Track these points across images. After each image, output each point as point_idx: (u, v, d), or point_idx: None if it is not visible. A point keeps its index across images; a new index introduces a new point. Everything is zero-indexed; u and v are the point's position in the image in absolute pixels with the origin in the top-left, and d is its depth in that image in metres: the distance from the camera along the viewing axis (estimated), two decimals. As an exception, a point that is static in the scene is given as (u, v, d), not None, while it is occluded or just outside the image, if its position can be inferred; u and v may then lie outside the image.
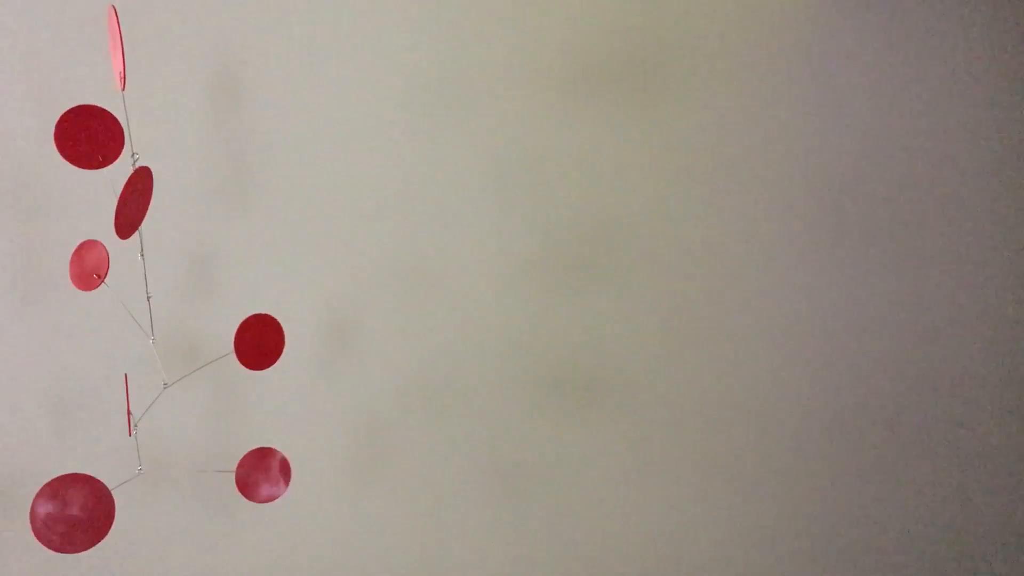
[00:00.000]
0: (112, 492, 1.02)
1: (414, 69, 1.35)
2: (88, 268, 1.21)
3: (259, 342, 1.21)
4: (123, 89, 1.16)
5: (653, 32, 1.34)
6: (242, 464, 1.11)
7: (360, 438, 1.36)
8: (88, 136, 1.05)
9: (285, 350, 1.20)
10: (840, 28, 1.34)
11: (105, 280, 1.19)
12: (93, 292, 1.19)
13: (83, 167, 1.05)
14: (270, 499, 1.10)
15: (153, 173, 1.14)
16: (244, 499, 1.10)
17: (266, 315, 1.22)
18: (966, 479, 1.35)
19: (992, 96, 1.32)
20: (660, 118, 1.35)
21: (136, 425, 1.11)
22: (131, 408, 1.14)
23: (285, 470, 1.11)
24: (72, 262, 1.21)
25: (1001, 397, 1.34)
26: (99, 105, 1.07)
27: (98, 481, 1.02)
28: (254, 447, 1.13)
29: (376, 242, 1.36)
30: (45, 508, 0.99)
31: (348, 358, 1.36)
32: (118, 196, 0.97)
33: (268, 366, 1.22)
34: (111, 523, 1.02)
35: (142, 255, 1.13)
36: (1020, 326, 1.34)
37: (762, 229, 1.35)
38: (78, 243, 1.19)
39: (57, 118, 1.35)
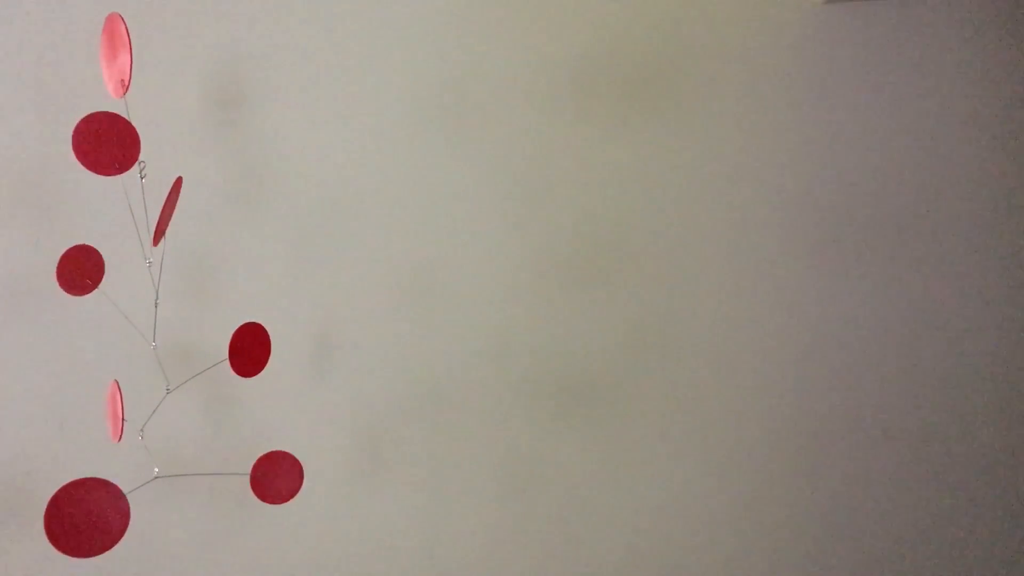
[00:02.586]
0: (127, 496, 1.02)
1: (419, 79, 1.37)
2: (79, 273, 1.20)
3: (248, 350, 1.23)
4: (122, 96, 1.16)
5: (658, 42, 1.36)
6: (256, 466, 1.13)
7: (363, 441, 1.38)
8: (106, 142, 1.06)
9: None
10: (845, 38, 1.35)
11: (100, 286, 1.19)
12: (88, 297, 1.18)
13: (100, 173, 1.06)
14: (283, 501, 1.13)
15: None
16: (252, 501, 1.12)
17: (254, 323, 1.24)
18: (962, 484, 1.37)
19: (995, 104, 1.34)
20: (664, 128, 1.36)
21: (142, 430, 1.11)
22: (128, 414, 1.14)
23: (298, 472, 1.14)
24: (60, 266, 1.19)
25: (998, 401, 1.36)
26: (107, 111, 1.09)
27: (113, 485, 1.02)
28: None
29: (378, 247, 1.37)
30: (59, 513, 0.99)
31: (350, 362, 1.38)
32: (162, 205, 0.99)
33: (255, 374, 1.24)
34: (126, 527, 1.02)
35: (150, 261, 1.13)
36: (1017, 332, 1.36)
37: (764, 236, 1.37)
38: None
39: (59, 123, 1.34)
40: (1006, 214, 1.35)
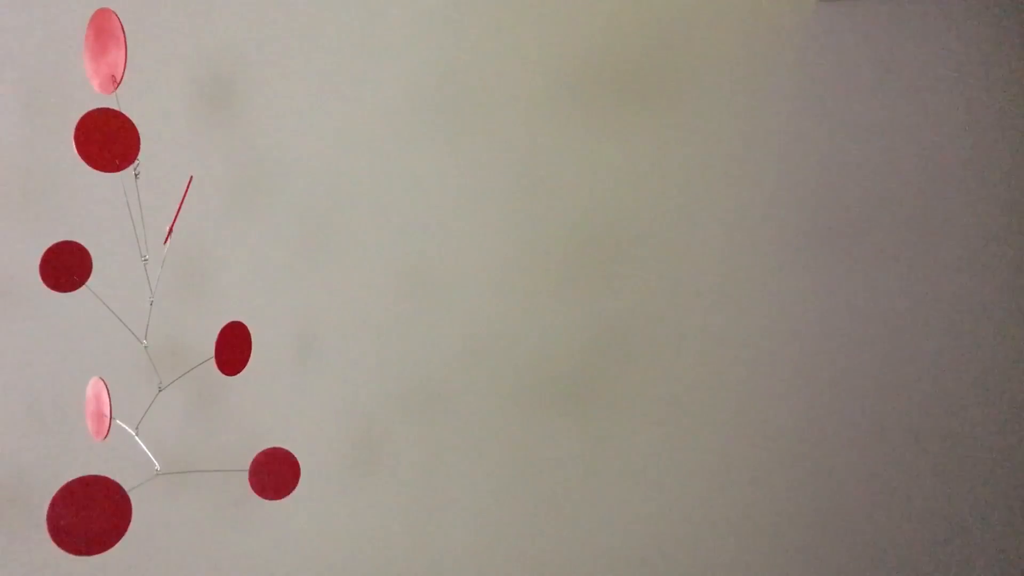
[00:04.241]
0: (129, 493, 1.02)
1: (416, 76, 1.37)
2: (64, 269, 1.18)
3: (231, 349, 1.23)
4: (111, 92, 1.16)
5: (654, 40, 1.36)
6: (255, 463, 1.14)
7: (356, 438, 1.38)
8: (107, 139, 1.05)
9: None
10: (841, 36, 1.36)
11: (88, 283, 1.17)
12: (79, 294, 1.16)
13: (101, 170, 1.06)
14: (280, 497, 1.14)
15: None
16: (249, 498, 1.13)
17: (237, 322, 1.24)
18: (959, 483, 1.37)
19: (990, 102, 1.35)
20: (658, 126, 1.37)
21: (136, 428, 1.11)
22: (119, 412, 1.14)
23: (294, 469, 1.15)
24: (43, 262, 1.17)
25: (996, 401, 1.36)
26: (108, 108, 1.08)
27: (115, 483, 1.02)
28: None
29: (371, 246, 1.38)
30: (62, 511, 0.98)
31: (343, 360, 1.38)
32: (178, 205, 0.99)
33: (237, 372, 1.25)
34: (128, 525, 1.02)
35: (146, 257, 1.13)
36: (1015, 331, 1.36)
37: (758, 234, 1.37)
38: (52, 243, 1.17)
39: (45, 120, 1.31)
40: (1003, 212, 1.35)
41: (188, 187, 1.06)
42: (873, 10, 1.37)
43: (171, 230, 1.05)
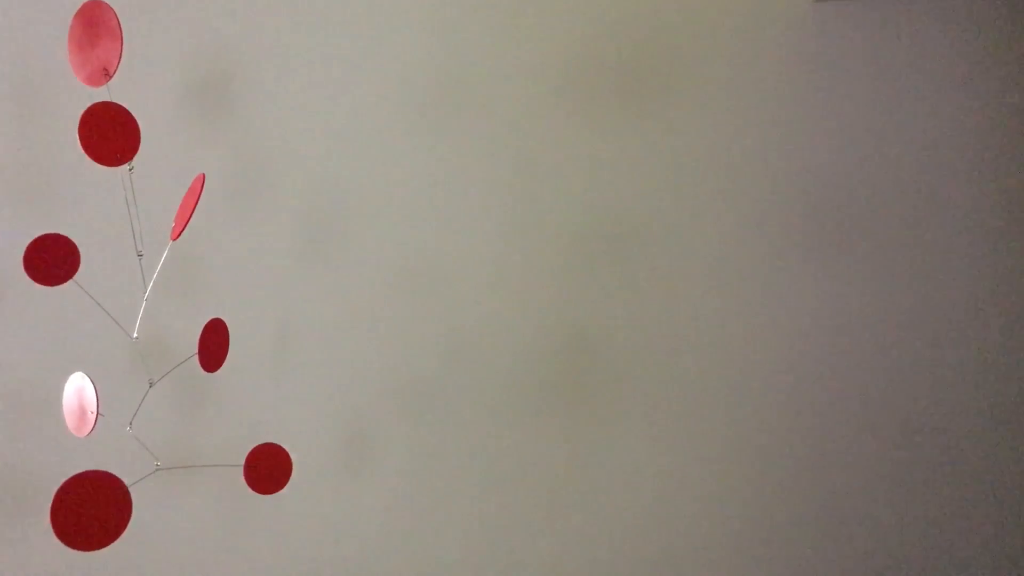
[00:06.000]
0: (129, 489, 1.02)
1: (413, 72, 1.38)
2: (50, 263, 1.16)
3: (210, 345, 1.24)
4: (102, 85, 1.15)
5: (651, 39, 1.38)
6: (249, 458, 1.15)
7: (349, 435, 1.39)
8: (109, 133, 1.05)
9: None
10: (835, 36, 1.38)
11: (75, 278, 1.16)
12: (60, 288, 1.14)
13: (103, 164, 1.05)
14: (274, 491, 1.16)
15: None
16: (241, 493, 1.14)
17: (217, 319, 1.25)
18: (953, 486, 1.38)
19: (982, 101, 1.36)
20: (655, 124, 1.38)
21: (131, 424, 1.10)
22: (106, 408, 1.13)
23: (287, 464, 1.17)
24: (27, 255, 1.15)
25: (989, 404, 1.36)
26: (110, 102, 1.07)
27: (116, 478, 1.02)
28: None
29: (366, 244, 1.39)
30: (65, 507, 0.98)
31: (336, 357, 1.39)
32: (193, 202, 1.00)
33: (216, 368, 1.25)
34: (128, 520, 1.02)
35: (141, 253, 1.12)
36: (1008, 336, 1.36)
37: (757, 234, 1.38)
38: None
39: (39, 115, 1.28)
40: (999, 212, 1.36)
41: (202, 186, 1.06)
42: (867, 10, 1.39)
43: (184, 227, 1.05)
